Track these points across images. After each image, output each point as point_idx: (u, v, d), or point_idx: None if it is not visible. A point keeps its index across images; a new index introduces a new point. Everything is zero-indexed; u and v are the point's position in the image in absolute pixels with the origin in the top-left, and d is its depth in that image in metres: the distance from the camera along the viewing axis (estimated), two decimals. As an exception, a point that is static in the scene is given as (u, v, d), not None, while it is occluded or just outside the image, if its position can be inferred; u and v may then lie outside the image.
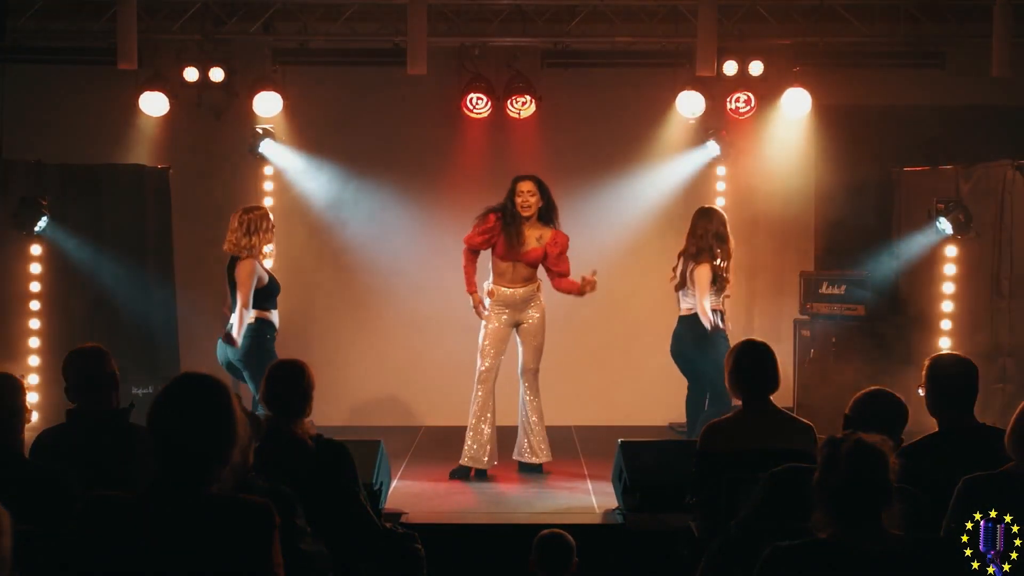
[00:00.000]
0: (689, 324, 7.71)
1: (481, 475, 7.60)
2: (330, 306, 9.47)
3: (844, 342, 8.97)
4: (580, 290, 7.57)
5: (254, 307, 7.53)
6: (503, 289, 7.55)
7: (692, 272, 7.65)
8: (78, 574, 2.84)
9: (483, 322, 7.62)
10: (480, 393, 7.57)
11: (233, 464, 2.96)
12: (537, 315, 7.61)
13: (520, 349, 7.67)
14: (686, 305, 7.74)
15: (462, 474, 7.57)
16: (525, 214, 7.47)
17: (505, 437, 7.81)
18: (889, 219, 9.51)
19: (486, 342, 7.57)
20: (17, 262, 8.52)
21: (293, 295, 9.63)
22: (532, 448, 7.68)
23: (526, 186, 7.49)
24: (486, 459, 7.59)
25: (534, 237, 7.52)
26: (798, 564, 3.11)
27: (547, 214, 7.55)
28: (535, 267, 7.59)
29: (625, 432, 8.76)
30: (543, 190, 7.51)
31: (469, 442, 7.57)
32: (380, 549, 4.84)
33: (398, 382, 9.97)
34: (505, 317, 7.57)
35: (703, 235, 7.68)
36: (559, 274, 7.62)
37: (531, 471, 7.63)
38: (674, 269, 7.85)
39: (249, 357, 7.40)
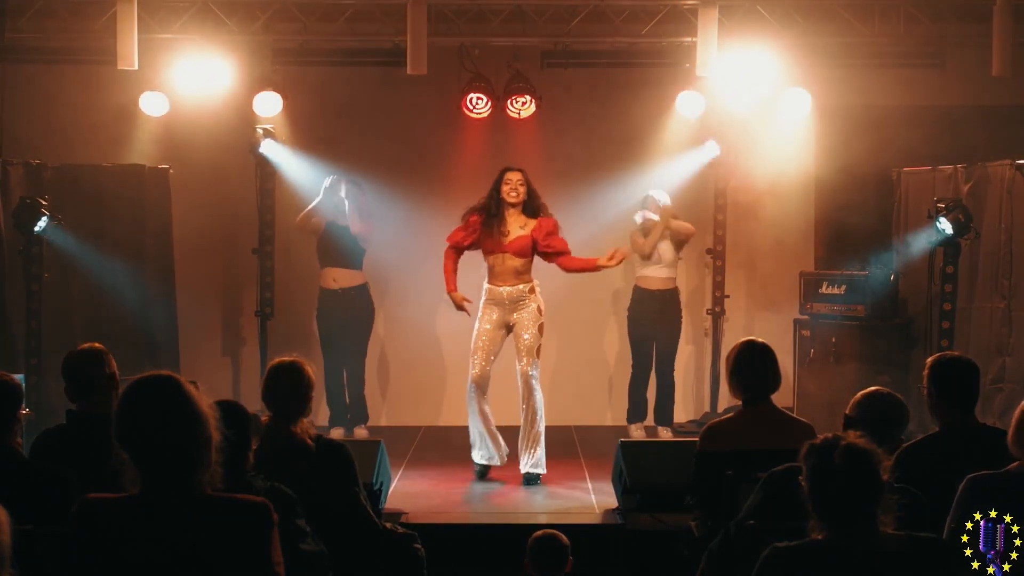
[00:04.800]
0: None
1: (485, 472, 7.62)
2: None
3: (844, 342, 8.97)
4: (596, 265, 7.49)
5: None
6: (492, 288, 7.46)
7: None
8: (76, 576, 2.84)
9: (475, 323, 7.52)
10: (471, 400, 7.48)
11: (221, 459, 2.95)
12: (528, 317, 7.41)
13: (516, 355, 7.52)
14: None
15: (483, 473, 7.62)
16: (511, 200, 7.41)
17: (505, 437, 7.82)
18: (889, 219, 9.50)
19: (476, 345, 7.45)
20: (16, 262, 8.51)
21: (293, 295, 9.65)
22: (535, 458, 7.49)
23: (515, 176, 7.48)
24: (499, 455, 7.59)
25: (518, 226, 7.44)
26: (797, 564, 3.12)
27: (532, 208, 7.48)
28: (525, 258, 7.42)
29: (625, 432, 8.79)
30: (530, 183, 7.50)
31: (479, 445, 7.59)
32: (380, 549, 4.84)
33: (398, 382, 9.97)
34: (495, 317, 7.44)
35: None
36: (557, 253, 7.48)
37: (533, 481, 7.44)
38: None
39: None
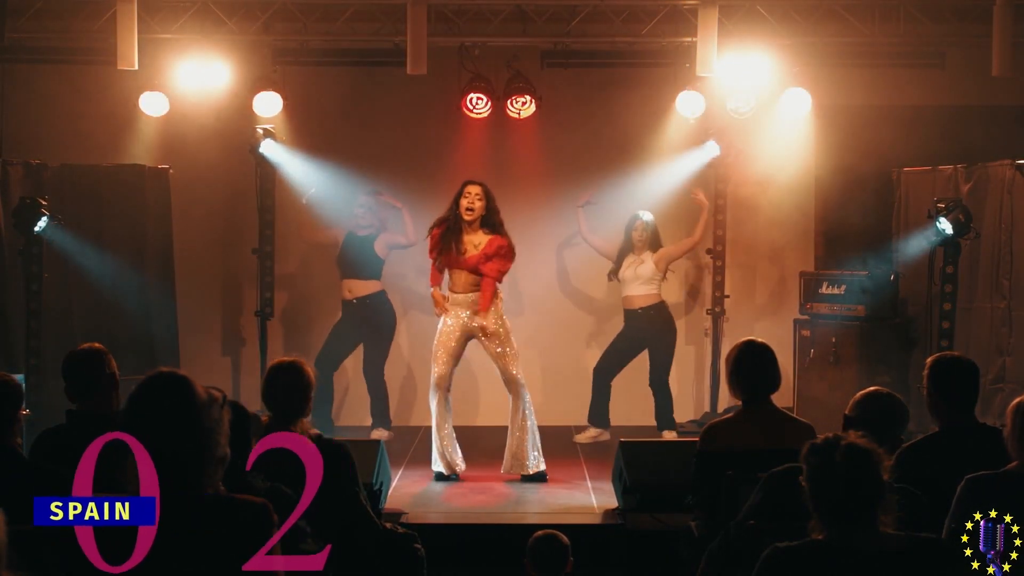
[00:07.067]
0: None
1: (452, 479, 7.56)
2: (330, 306, 9.46)
3: (844, 342, 8.96)
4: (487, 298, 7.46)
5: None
6: (453, 294, 7.53)
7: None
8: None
9: (439, 323, 7.57)
10: (434, 402, 7.50)
11: (223, 460, 2.95)
12: (493, 322, 7.46)
13: (493, 361, 7.57)
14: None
15: (442, 477, 7.56)
16: (467, 218, 7.45)
17: (495, 437, 7.82)
18: (889, 219, 9.51)
19: (438, 342, 7.52)
20: (16, 262, 8.50)
21: (294, 295, 9.66)
22: (532, 459, 7.53)
23: (474, 189, 7.50)
24: (458, 464, 7.58)
25: (472, 244, 7.48)
26: (797, 564, 3.12)
27: (491, 223, 7.51)
28: (478, 274, 7.48)
29: (625, 432, 8.78)
30: (489, 197, 7.51)
31: (440, 448, 7.55)
32: (380, 549, 4.84)
33: (398, 382, 9.96)
34: (457, 320, 7.49)
35: None
36: (482, 275, 7.46)
37: (535, 480, 7.48)
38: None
39: None
